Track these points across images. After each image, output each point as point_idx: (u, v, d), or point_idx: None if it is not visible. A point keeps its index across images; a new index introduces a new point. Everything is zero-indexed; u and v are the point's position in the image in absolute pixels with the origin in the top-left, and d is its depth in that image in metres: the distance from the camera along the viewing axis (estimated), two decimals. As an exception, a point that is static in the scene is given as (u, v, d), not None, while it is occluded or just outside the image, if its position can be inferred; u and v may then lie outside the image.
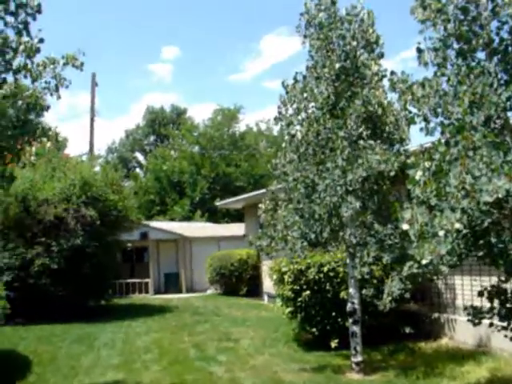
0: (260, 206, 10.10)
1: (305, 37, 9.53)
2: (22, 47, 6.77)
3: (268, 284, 19.52)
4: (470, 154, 5.85)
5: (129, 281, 25.88)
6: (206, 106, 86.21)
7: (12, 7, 6.31)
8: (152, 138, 56.98)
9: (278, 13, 77.06)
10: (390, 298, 8.15)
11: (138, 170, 56.26)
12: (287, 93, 9.49)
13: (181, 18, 78.69)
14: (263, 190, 19.11)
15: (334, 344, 10.81)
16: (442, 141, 6.38)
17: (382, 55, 9.47)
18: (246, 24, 78.87)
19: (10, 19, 6.45)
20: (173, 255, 27.97)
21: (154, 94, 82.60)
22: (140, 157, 57.85)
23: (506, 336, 6.63)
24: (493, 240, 5.82)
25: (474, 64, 6.48)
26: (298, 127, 9.45)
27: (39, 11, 6.44)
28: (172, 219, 38.71)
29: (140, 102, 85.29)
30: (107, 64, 73.65)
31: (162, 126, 53.66)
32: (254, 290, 22.94)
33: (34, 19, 6.42)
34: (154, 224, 29.06)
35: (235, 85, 77.88)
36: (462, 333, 10.74)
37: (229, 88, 78.00)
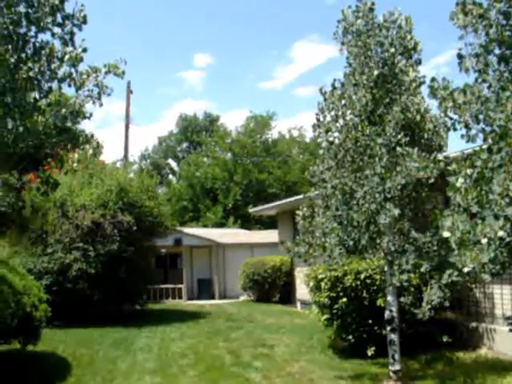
0: (298, 212, 10.11)
1: (342, 44, 9.53)
2: (66, 57, 6.95)
3: (301, 291, 19.50)
4: (514, 160, 5.79)
5: (162, 286, 26.13)
6: (238, 112, 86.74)
7: (59, 19, 6.49)
8: (185, 144, 57.52)
9: (310, 20, 77.13)
10: (429, 307, 8.07)
11: (170, 176, 56.83)
12: (325, 100, 9.50)
13: (213, 26, 79.43)
14: (297, 197, 19.15)
15: (370, 352, 10.74)
16: (484, 147, 6.33)
17: (419, 61, 9.43)
18: (277, 31, 79.16)
19: (56, 30, 6.64)
20: (206, 261, 28.13)
21: (187, 101, 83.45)
22: (173, 163, 58.46)
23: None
24: (537, 248, 5.72)
25: (516, 69, 6.41)
26: (336, 134, 9.45)
27: (85, 22, 6.61)
28: (205, 226, 38.95)
29: (172, 108, 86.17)
30: (140, 71, 74.67)
31: (195, 132, 54.10)
32: (287, 297, 22.92)
33: (80, 30, 6.60)
34: (188, 230, 29.28)
35: (267, 91, 78.21)
36: (502, 343, 10.55)
37: (261, 95, 78.41)
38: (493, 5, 6.42)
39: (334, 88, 9.49)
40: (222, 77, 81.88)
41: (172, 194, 44.21)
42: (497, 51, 6.51)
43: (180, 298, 26.27)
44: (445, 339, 11.10)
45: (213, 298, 26.66)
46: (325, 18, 74.56)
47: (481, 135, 6.49)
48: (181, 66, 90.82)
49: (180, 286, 26.53)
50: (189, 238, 27.17)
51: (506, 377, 8.90)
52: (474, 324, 11.48)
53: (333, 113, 9.47)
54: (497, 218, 5.58)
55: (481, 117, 6.50)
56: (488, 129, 6.40)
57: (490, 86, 6.53)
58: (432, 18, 64.85)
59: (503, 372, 9.19)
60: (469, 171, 6.10)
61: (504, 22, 6.40)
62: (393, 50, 9.17)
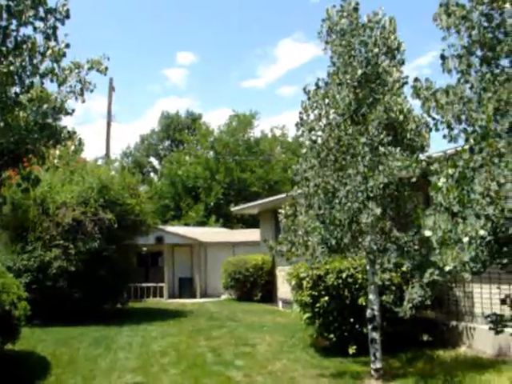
0: (280, 211, 10.12)
1: (326, 43, 9.57)
2: (49, 52, 6.87)
3: (283, 290, 19.53)
4: (495, 160, 5.86)
5: (143, 285, 25.99)
6: (220, 111, 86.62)
7: (41, 13, 6.40)
8: (167, 142, 57.32)
9: (294, 18, 77.29)
10: (410, 305, 8.12)
11: (152, 174, 56.57)
12: (309, 99, 9.53)
13: (196, 23, 79.18)
14: (280, 196, 19.17)
15: (351, 350, 10.79)
16: (466, 148, 6.39)
17: (403, 62, 9.49)
18: (261, 29, 79.18)
19: (38, 24, 6.55)
20: (187, 260, 28.04)
21: (169, 99, 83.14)
22: (155, 161, 58.20)
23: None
24: (517, 247, 5.79)
25: (498, 71, 6.47)
26: (319, 133, 9.48)
27: (68, 16, 6.53)
28: (186, 224, 38.83)
29: (155, 106, 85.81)
30: (123, 69, 74.20)
31: (177, 131, 53.92)
32: (269, 296, 22.94)
33: (63, 24, 6.52)
34: (170, 228, 29.16)
35: (250, 90, 78.19)
36: (480, 341, 10.68)
37: (244, 94, 78.37)
38: (475, 7, 6.49)
39: (318, 87, 9.52)
40: (206, 75, 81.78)
41: (154, 193, 43.87)
42: (479, 53, 6.57)
43: (161, 296, 26.15)
44: (425, 338, 11.23)
45: (194, 296, 26.58)
46: (309, 17, 74.79)
47: (463, 135, 6.55)
48: (164, 64, 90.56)
49: (161, 284, 26.41)
50: (170, 237, 27.06)
51: (484, 374, 9.02)
52: (454, 323, 11.60)
53: (316, 112, 9.50)
54: (478, 217, 5.63)
55: (463, 117, 6.57)
56: (470, 129, 6.46)
57: (472, 87, 6.59)
58: (414, 19, 65.32)
59: (482, 369, 9.30)
60: (450, 171, 6.15)
61: (486, 24, 6.47)
62: (376, 49, 9.23)
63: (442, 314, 11.99)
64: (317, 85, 9.52)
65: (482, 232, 5.53)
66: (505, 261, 6.02)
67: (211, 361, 11.21)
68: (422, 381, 8.98)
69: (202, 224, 38.70)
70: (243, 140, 44.98)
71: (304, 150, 9.58)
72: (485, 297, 10.96)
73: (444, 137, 6.82)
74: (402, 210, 9.52)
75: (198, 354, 11.83)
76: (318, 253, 9.05)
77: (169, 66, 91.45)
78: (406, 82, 9.28)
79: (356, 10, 9.43)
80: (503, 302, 7.01)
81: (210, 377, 9.83)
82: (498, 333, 6.88)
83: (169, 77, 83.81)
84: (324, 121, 9.45)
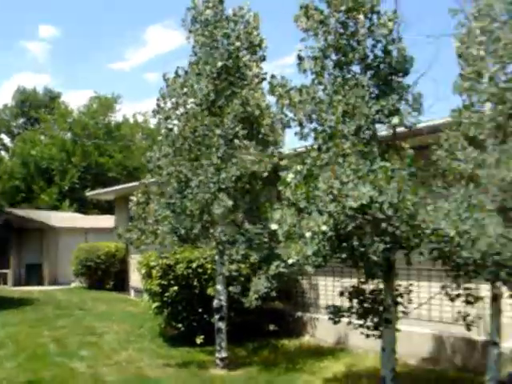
0: (132, 198, 9.92)
1: (190, 32, 9.52)
2: None
3: (135, 278, 19.21)
4: (340, 160, 6.16)
5: (-15, 271, 24.33)
6: (84, 92, 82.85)
7: None
8: (21, 120, 53.83)
9: (166, 4, 75.91)
10: (255, 296, 8.32)
11: (3, 153, 52.94)
12: (167, 86, 9.42)
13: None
14: (135, 183, 18.73)
15: (199, 340, 10.85)
16: (315, 146, 6.67)
17: (263, 58, 9.69)
18: (132, 12, 76.69)
19: None
20: (37, 245, 26.58)
21: (27, 73, 77.96)
22: (6, 139, 54.46)
23: (362, 333, 7.02)
24: (355, 243, 6.13)
25: (349, 76, 6.83)
26: (175, 122, 9.40)
27: None
28: (38, 208, 36.80)
29: (11, 80, 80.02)
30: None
31: (33, 108, 50.88)
32: (121, 285, 22.46)
33: None
34: (19, 212, 27.46)
35: (115, 73, 75.67)
36: (322, 331, 11.26)
37: (108, 76, 75.60)
38: (333, 13, 6.78)
39: (177, 75, 9.43)
40: (69, 53, 77.48)
41: (3, 172, 41.17)
42: (333, 57, 6.88)
43: (5, 283, 24.67)
44: (271, 328, 11.62)
45: (42, 284, 25.30)
46: (180, 5, 73.79)
47: (312, 134, 6.84)
48: (23, 35, 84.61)
49: (6, 271, 24.85)
50: (19, 221, 25.51)
51: (323, 361, 9.57)
52: (299, 313, 12.10)
53: (174, 100, 9.41)
54: (321, 213, 5.89)
55: (314, 116, 6.85)
56: (320, 128, 6.75)
57: (324, 89, 6.90)
58: (285, 18, 67.02)
59: (321, 357, 9.86)
60: (299, 168, 6.38)
61: (342, 31, 6.79)
62: (238, 43, 9.33)
63: (289, 305, 12.46)
64: (176, 73, 9.42)
65: (323, 228, 5.79)
66: (344, 255, 6.36)
67: (54, 352, 10.73)
68: (265, 369, 9.28)
69: (55, 208, 36.92)
70: (103, 123, 43.54)
71: (159, 138, 9.47)
72: (329, 289, 11.57)
73: (295, 134, 7.08)
74: (254, 203, 9.72)
75: (40, 345, 11.28)
76: (167, 242, 8.99)
77: (29, 38, 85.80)
78: (265, 78, 9.48)
79: (221, 2, 9.48)
80: (341, 294, 7.41)
81: (51, 369, 9.39)
82: (336, 322, 7.27)
83: (28, 49, 78.64)
84: (181, 110, 9.39)
